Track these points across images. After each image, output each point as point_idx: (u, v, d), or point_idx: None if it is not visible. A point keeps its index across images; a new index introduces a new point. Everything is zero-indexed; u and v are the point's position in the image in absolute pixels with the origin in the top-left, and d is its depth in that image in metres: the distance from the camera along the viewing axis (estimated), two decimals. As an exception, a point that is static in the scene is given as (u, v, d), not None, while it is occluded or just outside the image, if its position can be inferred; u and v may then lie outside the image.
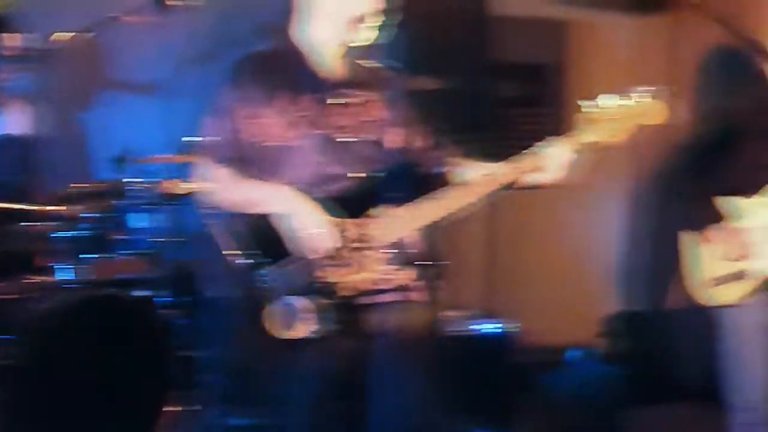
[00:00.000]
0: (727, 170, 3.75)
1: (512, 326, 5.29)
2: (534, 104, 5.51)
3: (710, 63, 5.29)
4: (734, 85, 3.85)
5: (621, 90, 3.12)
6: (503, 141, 5.31)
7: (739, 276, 3.69)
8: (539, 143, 3.08)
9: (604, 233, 5.89)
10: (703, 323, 3.85)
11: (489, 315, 5.17)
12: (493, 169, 3.07)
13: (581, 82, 5.52)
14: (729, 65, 5.17)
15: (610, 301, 5.79)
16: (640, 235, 5.82)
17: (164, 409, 3.61)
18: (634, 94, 3.06)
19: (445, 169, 3.23)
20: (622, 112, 3.05)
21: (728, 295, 3.73)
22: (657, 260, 5.61)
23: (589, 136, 3.04)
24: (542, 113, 5.49)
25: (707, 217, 3.72)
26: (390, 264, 3.00)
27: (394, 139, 3.15)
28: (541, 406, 5.21)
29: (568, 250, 5.75)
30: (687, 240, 3.82)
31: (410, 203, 3.01)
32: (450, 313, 5.02)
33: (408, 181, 3.11)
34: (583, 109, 3.05)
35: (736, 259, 3.67)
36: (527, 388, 5.28)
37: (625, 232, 5.91)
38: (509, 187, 3.08)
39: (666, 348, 5.40)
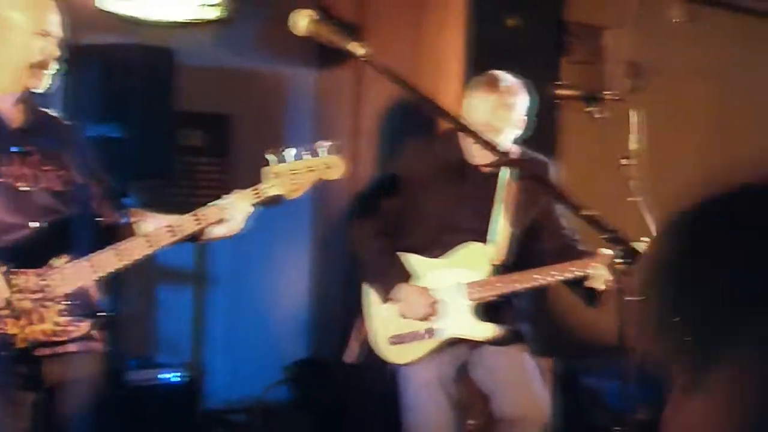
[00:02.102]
0: (414, 229, 3.91)
1: (197, 374, 5.36)
2: (218, 154, 5.58)
3: (388, 118, 5.66)
4: (410, 146, 4.03)
5: (305, 143, 3.24)
6: (187, 191, 5.39)
7: (419, 335, 3.85)
8: (223, 195, 3.15)
9: (292, 282, 6.02)
10: (384, 375, 3.95)
11: (173, 364, 5.21)
12: (175, 221, 3.10)
13: (265, 133, 5.68)
14: (402, 120, 5.54)
15: (296, 349, 5.96)
16: (328, 283, 5.99)
17: None
18: (317, 149, 3.16)
19: (126, 220, 3.27)
20: (306, 166, 3.14)
21: (408, 353, 3.86)
22: (344, 310, 5.80)
23: (273, 188, 3.12)
24: (226, 164, 5.58)
25: (392, 274, 3.84)
26: (70, 314, 3.01)
27: (74, 188, 3.15)
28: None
29: (255, 297, 5.87)
30: (371, 295, 3.94)
31: (90, 253, 3.03)
32: (132, 363, 5.03)
33: (88, 231, 3.13)
34: (269, 163, 3.12)
35: (418, 318, 3.82)
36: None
37: (314, 280, 6.08)
38: (191, 238, 3.15)
39: (349, 397, 5.59)
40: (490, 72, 3.84)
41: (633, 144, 3.14)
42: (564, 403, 5.49)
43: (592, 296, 3.75)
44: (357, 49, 2.54)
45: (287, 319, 5.97)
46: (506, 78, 3.79)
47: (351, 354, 4.01)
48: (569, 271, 3.70)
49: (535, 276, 3.74)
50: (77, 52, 4.71)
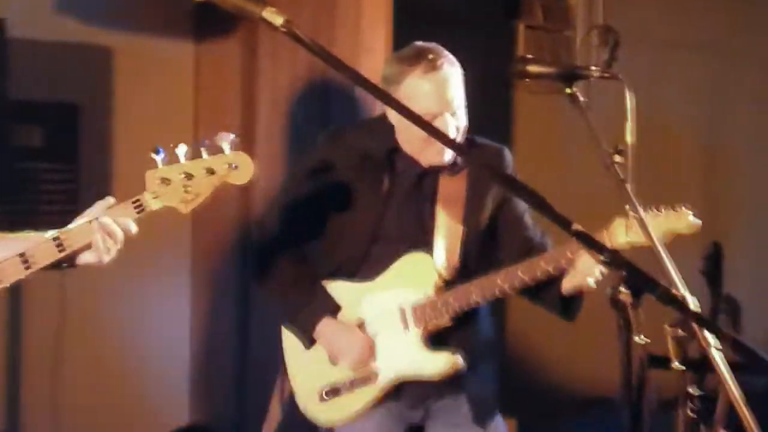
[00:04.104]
0: (337, 247, 3.94)
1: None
2: (65, 157, 5.45)
3: (292, 103, 5.63)
4: (324, 140, 4.06)
5: (183, 138, 3.14)
6: (26, 206, 5.29)
7: (357, 383, 3.87)
8: (93, 210, 3.04)
9: (168, 325, 5.95)
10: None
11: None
12: (30, 248, 2.99)
13: (129, 126, 5.62)
14: (312, 106, 5.52)
15: (176, 413, 5.90)
16: (214, 327, 5.93)
17: None
18: (218, 143, 3.06)
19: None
20: (204, 167, 3.04)
21: (344, 407, 3.89)
22: (236, 361, 5.76)
23: (160, 199, 3.03)
24: (76, 169, 5.45)
25: (314, 309, 3.88)
26: None
27: None
28: None
29: (121, 346, 5.77)
30: (291, 339, 3.95)
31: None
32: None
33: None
34: (155, 166, 3.02)
35: (353, 362, 3.85)
36: None
37: (196, 323, 6.04)
38: (55, 265, 3.03)
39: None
40: (415, 45, 3.90)
41: (629, 135, 3.11)
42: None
43: (568, 303, 3.82)
44: (274, 17, 2.51)
45: (164, 375, 5.90)
46: (440, 51, 3.87)
47: (272, 422, 4.04)
48: (540, 267, 3.73)
49: (498, 281, 3.77)
50: None
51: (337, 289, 3.92)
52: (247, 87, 5.79)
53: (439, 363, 3.85)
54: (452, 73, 3.83)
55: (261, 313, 5.44)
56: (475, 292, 3.80)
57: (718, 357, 2.71)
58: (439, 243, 3.89)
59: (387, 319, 3.87)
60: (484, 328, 4.00)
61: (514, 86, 6.02)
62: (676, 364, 2.93)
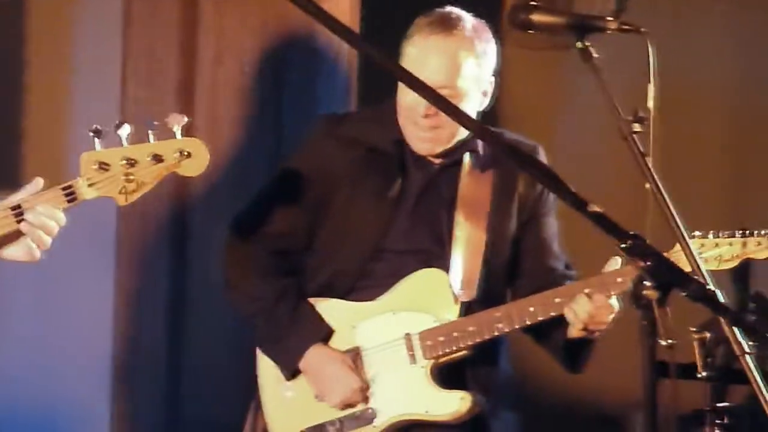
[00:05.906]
0: (330, 260, 3.94)
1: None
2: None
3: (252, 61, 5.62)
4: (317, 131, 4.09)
5: (109, 103, 3.15)
6: None
7: (348, 423, 3.85)
8: (19, 195, 3.07)
9: (88, 337, 5.92)
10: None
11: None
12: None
13: (46, 83, 5.54)
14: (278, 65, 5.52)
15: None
16: (147, 329, 5.93)
17: None
18: (169, 125, 3.07)
19: None
20: (150, 152, 3.06)
21: None
22: (177, 367, 5.75)
23: (96, 188, 3.06)
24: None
25: (300, 334, 3.85)
26: None
27: None
28: None
29: (27, 362, 5.77)
30: (269, 369, 3.95)
31: None
32: None
33: None
34: (94, 149, 3.04)
35: (345, 399, 3.84)
36: None
37: (122, 326, 6.01)
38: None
39: None
40: (440, 10, 3.92)
41: (651, 99, 3.14)
42: None
43: (576, 352, 3.83)
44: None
45: (83, 374, 5.90)
46: (466, 18, 3.90)
47: None
48: (553, 304, 3.73)
49: (531, 308, 3.77)
50: None
51: (329, 309, 3.91)
52: (186, 37, 5.76)
53: (451, 403, 3.82)
54: (454, 46, 3.80)
55: (198, 308, 5.45)
56: (503, 320, 3.76)
57: (752, 364, 2.74)
58: (457, 257, 3.85)
59: (389, 348, 3.85)
60: (503, 364, 3.99)
61: (502, 39, 6.03)
62: (702, 374, 2.97)
